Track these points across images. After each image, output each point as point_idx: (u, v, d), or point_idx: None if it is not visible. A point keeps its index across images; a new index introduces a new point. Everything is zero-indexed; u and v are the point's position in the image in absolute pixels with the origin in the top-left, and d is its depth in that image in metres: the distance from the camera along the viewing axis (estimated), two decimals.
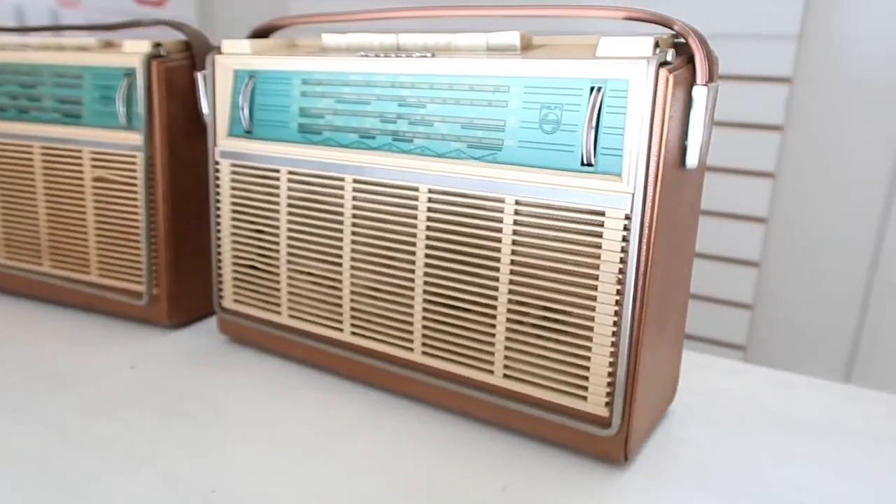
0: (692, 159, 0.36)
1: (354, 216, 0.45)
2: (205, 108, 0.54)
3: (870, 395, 0.48)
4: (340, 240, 0.46)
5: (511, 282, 0.39)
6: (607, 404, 0.37)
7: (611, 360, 0.37)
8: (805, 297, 1.19)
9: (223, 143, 0.50)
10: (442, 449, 0.40)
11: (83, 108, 0.56)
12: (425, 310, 0.43)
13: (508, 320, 0.40)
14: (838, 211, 1.14)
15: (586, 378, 0.38)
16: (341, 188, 0.45)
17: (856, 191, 1.13)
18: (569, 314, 0.38)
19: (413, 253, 0.43)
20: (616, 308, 0.36)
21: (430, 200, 0.42)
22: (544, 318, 0.39)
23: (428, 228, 0.42)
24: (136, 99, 0.54)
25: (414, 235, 0.42)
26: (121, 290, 0.57)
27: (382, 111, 0.43)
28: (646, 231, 0.35)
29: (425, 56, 0.41)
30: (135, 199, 0.55)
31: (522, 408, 0.40)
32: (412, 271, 0.43)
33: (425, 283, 0.42)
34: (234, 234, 0.51)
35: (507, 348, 0.40)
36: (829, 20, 1.10)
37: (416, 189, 0.42)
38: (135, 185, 0.54)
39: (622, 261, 0.36)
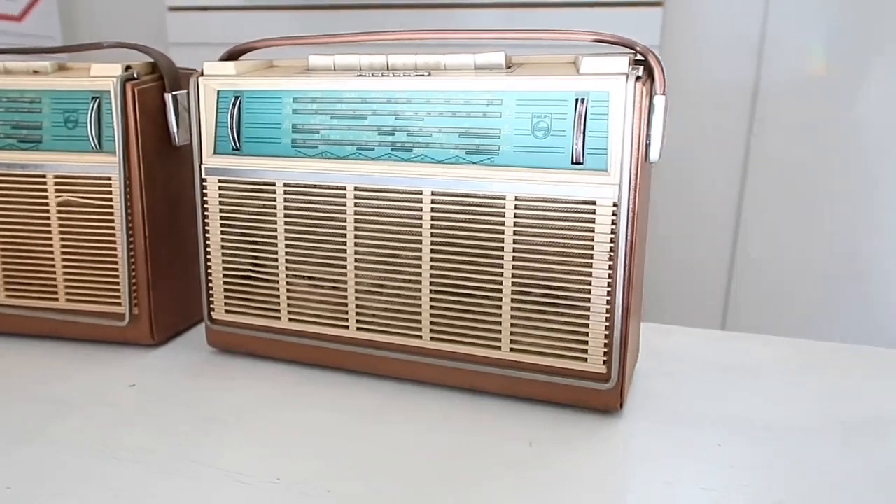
0: (655, 154, 0.45)
1: (357, 221, 0.49)
2: (174, 128, 0.56)
3: (775, 339, 0.59)
4: (343, 244, 0.50)
5: (514, 267, 0.46)
6: (605, 362, 0.45)
7: (606, 325, 0.44)
8: (680, 263, 1.35)
9: (209, 161, 0.53)
10: (462, 421, 0.46)
11: (43, 133, 0.56)
12: (433, 299, 0.48)
13: (513, 301, 0.46)
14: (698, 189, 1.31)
15: (586, 342, 0.45)
16: (342, 196, 0.49)
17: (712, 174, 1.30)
18: (567, 290, 0.45)
19: (419, 250, 0.48)
20: (609, 281, 0.44)
21: (433, 202, 0.47)
22: (545, 295, 0.45)
23: (433, 227, 0.47)
24: (104, 122, 0.54)
25: (419, 234, 0.48)
26: (94, 313, 0.57)
27: (380, 125, 0.48)
28: (631, 215, 0.43)
29: (423, 75, 0.46)
30: (109, 221, 0.55)
31: (529, 375, 0.47)
32: (419, 266, 0.48)
33: (432, 275, 0.48)
34: (224, 246, 0.53)
35: (512, 325, 0.47)
36: None
37: (419, 192, 0.47)
38: (109, 206, 0.55)
39: (612, 241, 0.43)
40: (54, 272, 0.57)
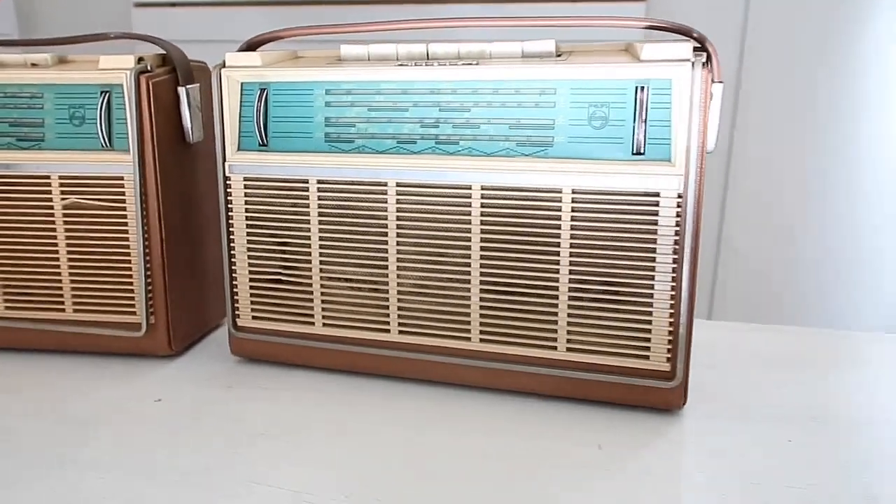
0: (711, 143, 0.43)
1: (399, 218, 0.47)
2: (188, 124, 0.53)
3: (806, 331, 0.58)
4: (385, 243, 0.47)
5: (572, 263, 0.44)
6: (668, 360, 0.43)
7: (671, 320, 0.43)
8: None
9: (234, 158, 0.49)
10: (522, 426, 0.44)
11: (45, 131, 0.51)
12: (482, 299, 0.46)
13: (570, 298, 0.44)
14: None
15: (648, 339, 0.44)
16: (383, 192, 0.47)
17: None
18: (628, 285, 0.43)
19: (468, 247, 0.46)
20: (673, 275, 0.42)
21: (483, 197, 0.45)
22: (604, 291, 0.44)
23: (482, 223, 0.45)
24: (115, 118, 0.50)
25: (468, 231, 0.45)
26: (106, 323, 0.53)
27: (422, 116, 0.45)
28: (696, 206, 0.41)
29: (470, 64, 0.44)
30: (121, 224, 0.51)
31: (586, 375, 0.45)
32: (467, 264, 0.46)
33: (482, 273, 0.46)
34: (251, 249, 0.50)
35: (569, 324, 0.45)
36: None
37: (468, 188, 0.45)
38: (121, 208, 0.51)
39: (677, 233, 0.42)
40: (60, 281, 0.53)
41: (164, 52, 0.52)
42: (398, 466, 0.40)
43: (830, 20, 1.20)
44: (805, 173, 1.27)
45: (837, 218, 1.27)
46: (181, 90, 0.52)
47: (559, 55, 0.46)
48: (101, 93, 0.50)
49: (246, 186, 0.49)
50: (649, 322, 0.43)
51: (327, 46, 0.53)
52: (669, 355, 0.43)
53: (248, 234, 0.50)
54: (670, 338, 0.43)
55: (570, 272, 0.44)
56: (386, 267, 0.48)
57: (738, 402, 0.46)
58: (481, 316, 0.46)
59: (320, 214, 0.48)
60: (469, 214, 0.45)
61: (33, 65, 0.53)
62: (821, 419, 0.44)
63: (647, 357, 0.44)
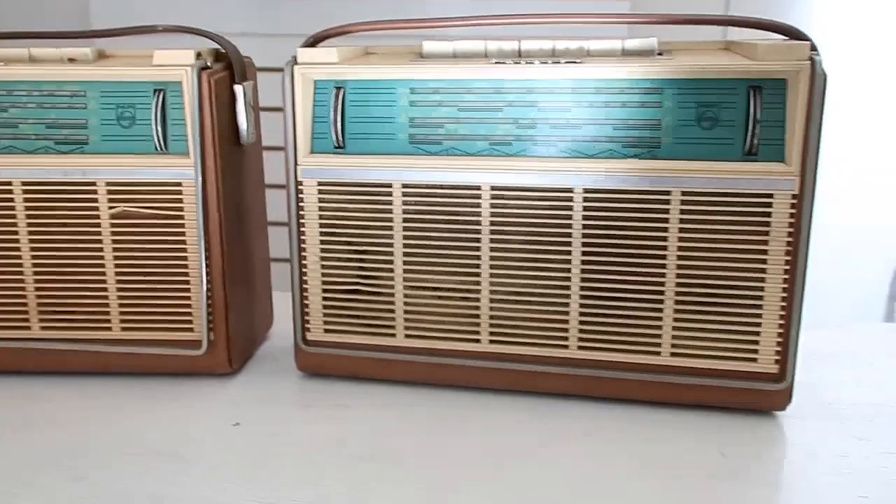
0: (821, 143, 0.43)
1: (493, 223, 0.44)
2: (243, 124, 0.49)
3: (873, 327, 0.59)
4: (476, 248, 0.45)
5: (679, 266, 0.43)
6: (777, 361, 0.43)
7: (781, 322, 0.42)
8: None
9: (306, 161, 0.46)
10: (633, 435, 0.43)
11: (89, 133, 0.47)
12: (583, 305, 0.44)
13: (676, 302, 0.43)
14: None
15: (756, 342, 0.43)
16: (476, 197, 0.44)
17: None
18: (737, 288, 0.43)
19: (568, 252, 0.44)
20: (786, 276, 0.42)
21: (585, 199, 0.43)
22: (711, 294, 0.43)
23: (584, 227, 0.43)
24: (169, 119, 0.46)
25: (569, 236, 0.44)
26: (158, 342, 0.49)
27: (518, 117, 0.44)
28: (810, 207, 0.41)
29: (574, 62, 0.42)
30: (178, 234, 0.47)
31: (690, 380, 0.44)
32: (567, 270, 0.44)
33: (582, 279, 0.44)
34: (325, 258, 0.47)
35: (675, 328, 0.44)
36: None
37: (569, 190, 0.43)
38: (178, 216, 0.47)
39: (790, 234, 0.41)
40: (106, 297, 0.48)
41: (220, 47, 0.48)
42: (521, 482, 0.38)
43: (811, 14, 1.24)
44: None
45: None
46: (238, 88, 0.48)
47: (660, 54, 0.45)
48: (155, 91, 0.46)
49: (320, 192, 0.46)
50: (758, 324, 0.43)
51: (381, 42, 0.50)
52: (778, 357, 0.43)
53: (322, 241, 0.47)
54: (780, 339, 0.43)
55: (678, 276, 0.43)
56: (477, 274, 0.45)
57: (838, 402, 0.46)
58: (581, 323, 0.45)
59: (405, 220, 0.45)
60: (570, 219, 0.44)
61: (71, 60, 0.48)
62: None
63: (755, 360, 0.43)
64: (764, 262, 0.42)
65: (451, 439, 0.42)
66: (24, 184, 0.47)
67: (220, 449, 0.41)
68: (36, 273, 0.48)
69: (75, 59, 0.48)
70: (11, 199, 0.47)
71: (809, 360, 0.51)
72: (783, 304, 0.42)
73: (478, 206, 0.45)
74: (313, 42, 0.48)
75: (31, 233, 0.47)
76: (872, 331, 0.58)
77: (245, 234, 0.51)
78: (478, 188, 0.44)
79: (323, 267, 0.47)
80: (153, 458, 0.40)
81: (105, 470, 0.39)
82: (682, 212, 0.42)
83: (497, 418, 0.44)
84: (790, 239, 0.41)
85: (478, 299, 0.46)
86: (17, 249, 0.48)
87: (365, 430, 0.43)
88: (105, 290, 0.48)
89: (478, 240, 0.45)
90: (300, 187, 0.46)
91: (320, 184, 0.46)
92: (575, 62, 0.43)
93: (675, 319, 0.44)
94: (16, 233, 0.47)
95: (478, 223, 0.45)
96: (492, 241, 0.45)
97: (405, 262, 0.46)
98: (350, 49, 0.48)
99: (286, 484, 0.38)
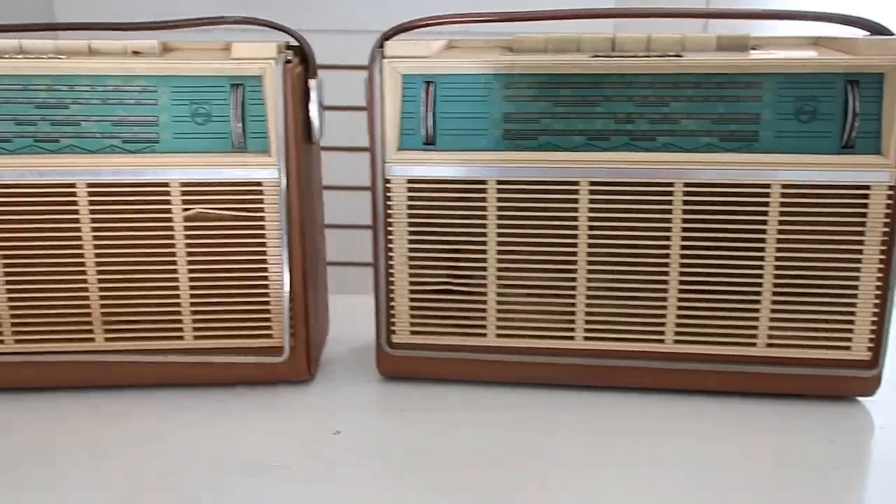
0: None
1: (591, 219, 0.44)
2: (316, 121, 0.47)
3: None
4: (573, 245, 0.44)
5: (777, 259, 0.43)
6: (870, 349, 0.44)
7: (875, 310, 0.44)
8: None
9: (395, 158, 0.45)
10: (731, 426, 0.43)
11: (160, 131, 0.44)
12: (680, 299, 0.44)
13: (774, 294, 0.44)
14: None
15: (850, 330, 0.44)
16: (574, 192, 0.44)
17: None
18: (832, 278, 0.44)
19: (667, 247, 0.44)
20: (881, 266, 0.43)
21: (685, 194, 0.43)
22: (808, 284, 0.44)
23: (684, 221, 0.44)
24: (247, 115, 0.44)
25: (668, 230, 0.44)
26: (234, 350, 0.46)
27: (616, 112, 0.43)
28: None
29: (679, 56, 0.42)
30: (257, 236, 0.45)
31: (784, 370, 0.45)
32: (665, 264, 0.44)
33: (681, 273, 0.44)
34: (413, 258, 0.46)
35: (771, 319, 0.44)
36: None
37: (669, 185, 0.43)
38: (258, 218, 0.45)
39: (886, 225, 0.43)
40: (178, 305, 0.45)
41: (296, 41, 0.46)
42: (635, 477, 0.38)
43: None
44: None
45: None
46: (312, 83, 0.46)
47: (753, 48, 0.45)
48: (232, 86, 0.44)
49: (409, 189, 0.45)
50: (853, 313, 0.44)
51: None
52: (872, 344, 0.44)
53: (411, 241, 0.46)
54: (874, 327, 0.44)
55: (775, 267, 0.44)
56: (573, 271, 0.45)
57: None
58: (677, 317, 0.45)
59: (499, 217, 0.45)
60: (670, 213, 0.44)
61: (135, 53, 0.45)
62: None
63: (847, 348, 0.44)
64: (860, 251, 0.43)
65: (558, 438, 0.42)
66: (90, 185, 0.44)
67: (335, 462, 0.39)
68: (101, 281, 0.45)
69: (140, 52, 0.45)
70: (75, 203, 0.44)
71: None
72: (878, 292, 0.43)
73: (575, 202, 0.44)
74: (391, 35, 0.46)
75: (96, 238, 0.44)
76: None
77: (313, 236, 0.49)
78: (576, 184, 0.44)
79: (411, 267, 0.46)
80: (265, 472, 0.38)
81: (218, 489, 0.37)
82: (782, 204, 0.43)
83: (595, 416, 0.44)
84: (886, 229, 0.43)
85: (573, 296, 0.45)
86: (81, 256, 0.44)
87: (470, 436, 0.42)
88: (177, 297, 0.45)
89: (574, 236, 0.44)
90: (388, 185, 0.45)
91: (410, 181, 0.45)
92: (671, 55, 0.43)
93: (772, 310, 0.44)
94: (79, 238, 0.44)
95: (575, 219, 0.44)
96: (589, 237, 0.44)
97: (498, 261, 0.45)
98: (435, 42, 0.46)
99: (420, 498, 0.36)
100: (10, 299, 0.44)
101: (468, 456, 0.40)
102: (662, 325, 0.45)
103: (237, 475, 0.38)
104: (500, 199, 0.44)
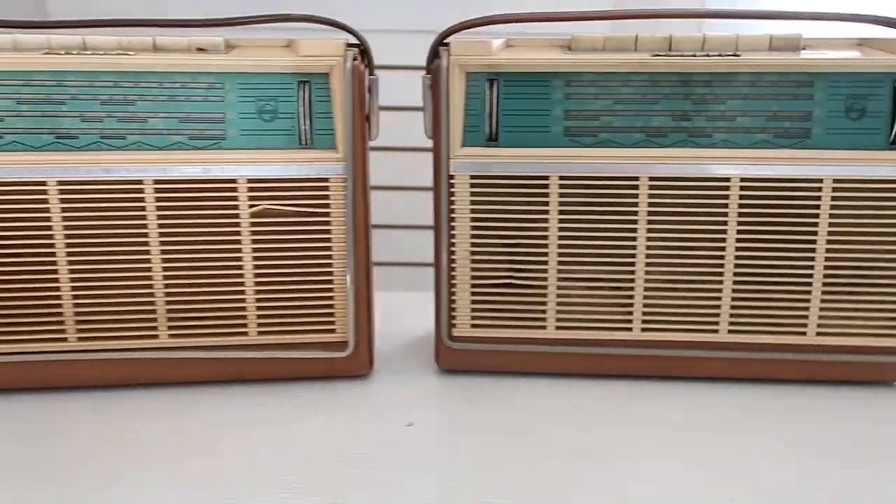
0: None
1: (651, 213, 0.45)
2: (374, 118, 0.48)
3: None
4: (632, 239, 0.46)
5: (828, 251, 0.45)
6: None
7: None
8: None
9: (459, 154, 0.45)
10: (795, 413, 0.45)
11: (227, 127, 0.44)
12: (735, 290, 0.46)
13: (824, 284, 0.46)
14: None
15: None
16: (633, 188, 0.45)
17: None
18: (881, 269, 0.46)
19: (723, 240, 0.45)
20: None
21: (741, 188, 0.45)
22: (856, 275, 0.46)
23: (740, 215, 0.45)
24: (314, 112, 0.44)
25: (724, 224, 0.45)
26: (298, 345, 0.46)
27: (673, 109, 0.45)
28: None
29: (735, 55, 0.44)
30: (323, 232, 0.45)
31: (833, 357, 0.47)
32: (721, 257, 0.46)
33: (736, 265, 0.46)
34: (475, 252, 0.47)
35: (821, 309, 0.46)
36: None
37: (726, 180, 0.45)
38: (324, 214, 0.45)
39: None
40: (243, 300, 0.46)
41: (357, 39, 0.47)
42: (697, 465, 0.39)
43: None
44: None
45: None
46: (371, 80, 0.47)
47: (804, 48, 0.47)
48: (300, 83, 0.44)
49: (472, 185, 0.46)
50: None
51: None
52: None
53: (473, 235, 0.46)
54: None
55: (826, 259, 0.45)
56: (632, 264, 0.46)
57: None
58: (731, 307, 0.46)
59: (561, 213, 0.46)
60: (726, 207, 0.45)
61: (199, 49, 0.45)
62: None
63: (894, 336, 0.46)
64: None
65: (625, 430, 0.43)
66: (157, 182, 0.44)
67: (407, 451, 0.40)
68: (166, 277, 0.45)
69: (205, 49, 0.45)
70: (142, 199, 0.44)
71: None
72: None
73: (635, 196, 0.45)
74: (449, 34, 0.47)
75: (162, 234, 0.44)
76: None
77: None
78: (635, 179, 0.45)
79: (473, 261, 0.47)
80: (357, 463, 0.39)
81: (322, 482, 0.37)
82: (833, 198, 0.45)
83: (655, 406, 0.45)
84: None
85: (631, 288, 0.47)
86: (147, 252, 0.44)
87: (544, 426, 0.43)
88: (242, 293, 0.46)
89: (634, 230, 0.46)
90: (452, 181, 0.46)
91: (473, 177, 0.46)
92: (727, 55, 0.44)
93: (823, 300, 0.46)
94: (145, 235, 0.44)
95: (634, 213, 0.46)
96: (648, 231, 0.46)
97: (559, 255, 0.46)
98: (495, 41, 0.47)
99: (507, 478, 0.37)
100: (75, 297, 0.44)
101: (548, 446, 0.41)
102: (717, 315, 0.47)
103: (331, 466, 0.39)
104: (561, 195, 0.46)
